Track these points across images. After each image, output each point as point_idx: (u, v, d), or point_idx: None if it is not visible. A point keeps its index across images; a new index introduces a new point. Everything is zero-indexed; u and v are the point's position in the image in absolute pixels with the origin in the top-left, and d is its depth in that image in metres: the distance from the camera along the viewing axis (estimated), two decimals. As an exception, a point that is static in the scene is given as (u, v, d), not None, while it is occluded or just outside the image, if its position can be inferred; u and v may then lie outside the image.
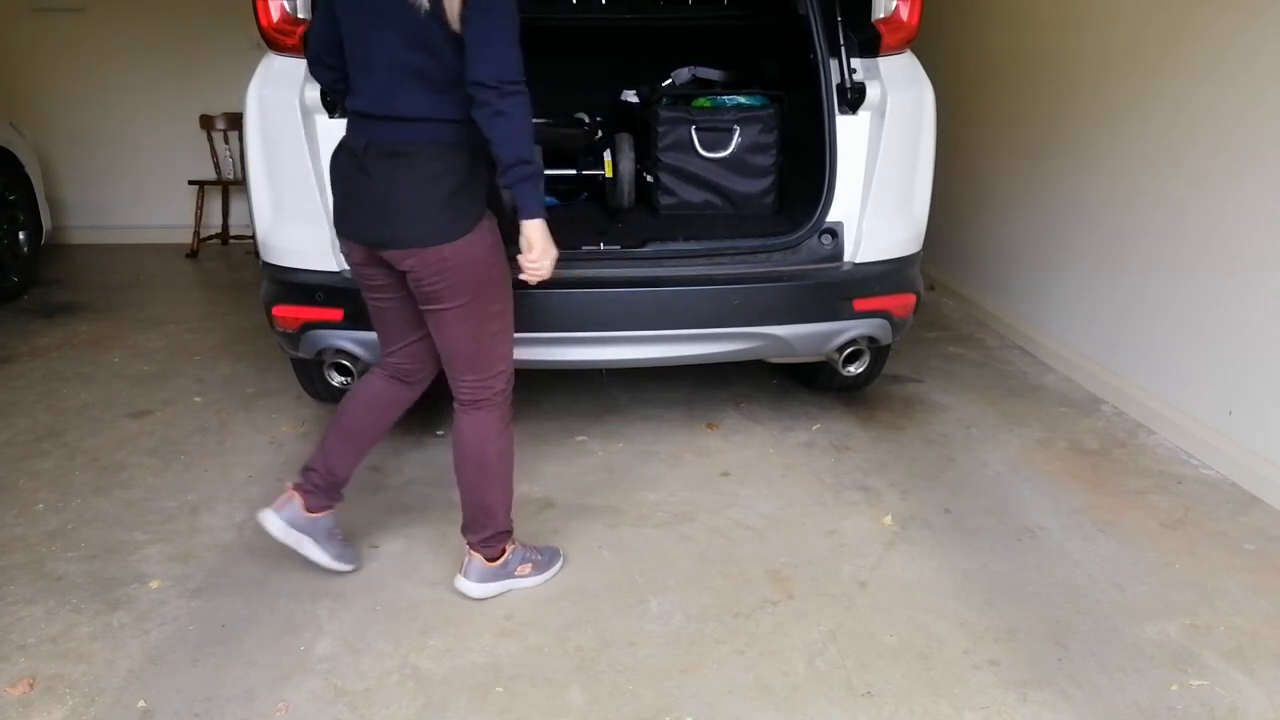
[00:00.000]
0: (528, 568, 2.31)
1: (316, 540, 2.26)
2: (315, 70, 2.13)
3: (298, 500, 2.24)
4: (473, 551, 2.24)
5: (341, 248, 2.18)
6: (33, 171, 4.98)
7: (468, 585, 2.24)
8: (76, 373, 3.72)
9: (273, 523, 2.23)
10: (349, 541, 2.39)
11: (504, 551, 2.26)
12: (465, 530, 2.25)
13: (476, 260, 2.00)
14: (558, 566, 2.38)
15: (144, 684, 1.96)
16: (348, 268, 2.66)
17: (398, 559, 2.42)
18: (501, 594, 2.26)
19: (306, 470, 2.27)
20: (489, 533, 2.22)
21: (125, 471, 2.89)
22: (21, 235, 4.92)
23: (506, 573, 2.26)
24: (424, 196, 1.94)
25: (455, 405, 2.17)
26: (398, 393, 2.28)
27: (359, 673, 2.00)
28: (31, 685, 1.96)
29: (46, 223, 5.11)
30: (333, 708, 1.90)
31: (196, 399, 3.47)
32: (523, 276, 2.06)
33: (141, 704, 1.91)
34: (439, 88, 1.92)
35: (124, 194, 6.15)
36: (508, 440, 2.20)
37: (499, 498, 2.22)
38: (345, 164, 2.04)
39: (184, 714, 1.88)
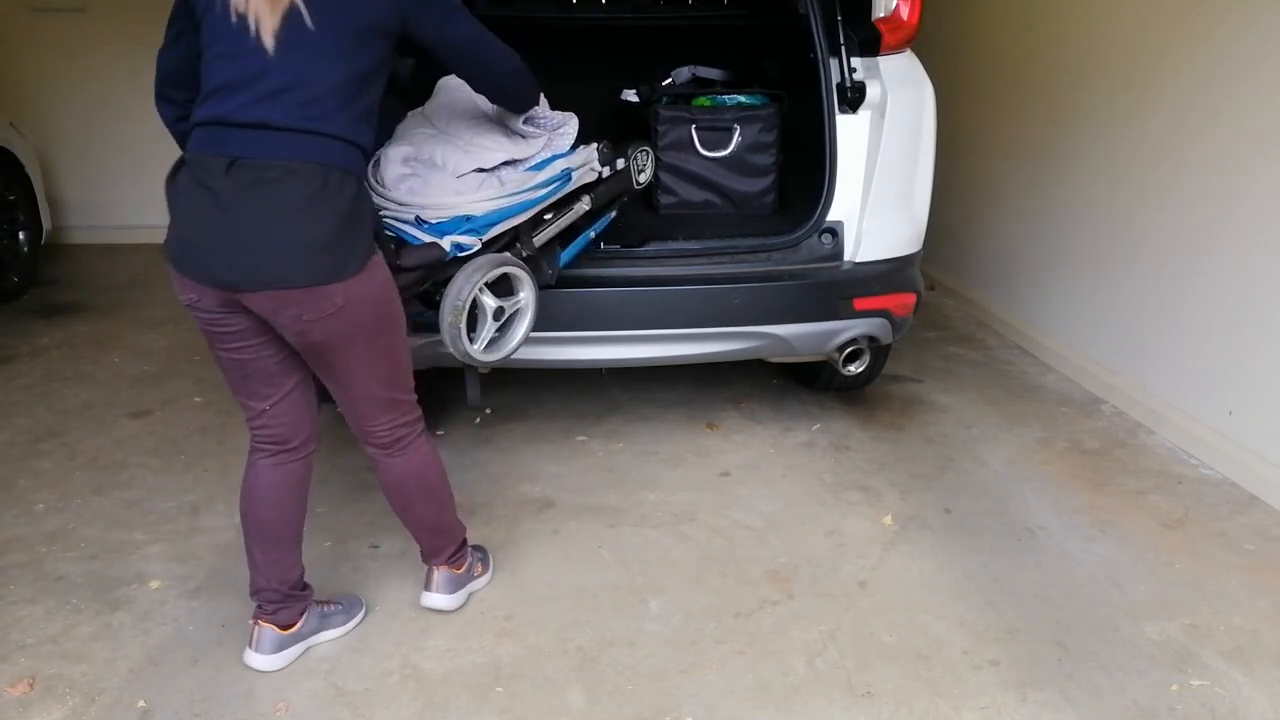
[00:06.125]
0: (479, 567, 2.29)
1: (318, 631, 2.07)
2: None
3: (269, 628, 1.99)
4: (440, 566, 2.19)
5: (181, 289, 1.79)
6: (33, 171, 4.98)
7: (441, 599, 2.18)
8: (76, 373, 3.72)
9: (262, 662, 1.98)
10: (337, 596, 2.20)
11: (465, 553, 2.22)
12: (429, 557, 2.18)
13: (376, 298, 1.79)
14: (492, 562, 2.36)
15: (144, 684, 1.96)
16: None
17: (397, 559, 2.42)
18: (466, 600, 2.24)
19: (259, 593, 2.00)
20: (453, 547, 2.18)
21: (125, 471, 2.89)
22: (21, 235, 4.91)
23: (469, 576, 2.24)
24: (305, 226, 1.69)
25: (371, 451, 2.00)
26: (294, 472, 1.97)
27: (359, 673, 2.00)
28: (31, 685, 1.96)
29: (46, 223, 5.10)
30: (332, 708, 1.90)
31: (196, 399, 3.47)
32: None
33: (141, 704, 1.91)
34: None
35: (124, 194, 6.14)
36: (438, 456, 2.08)
37: (451, 510, 2.15)
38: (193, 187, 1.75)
39: (184, 714, 1.88)
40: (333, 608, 2.13)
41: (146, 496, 2.74)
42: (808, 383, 3.50)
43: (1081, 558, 2.43)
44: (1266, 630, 2.14)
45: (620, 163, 2.50)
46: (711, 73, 3.60)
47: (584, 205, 2.41)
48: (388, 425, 1.95)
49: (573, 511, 2.66)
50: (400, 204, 2.03)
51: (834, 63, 2.78)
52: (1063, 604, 2.24)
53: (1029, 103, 3.99)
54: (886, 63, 2.79)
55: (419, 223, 2.02)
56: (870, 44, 2.78)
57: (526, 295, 2.21)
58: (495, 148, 2.18)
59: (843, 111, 2.76)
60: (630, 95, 3.53)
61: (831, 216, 2.77)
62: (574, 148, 2.34)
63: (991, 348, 4.05)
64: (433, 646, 2.09)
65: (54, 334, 4.19)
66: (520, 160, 2.22)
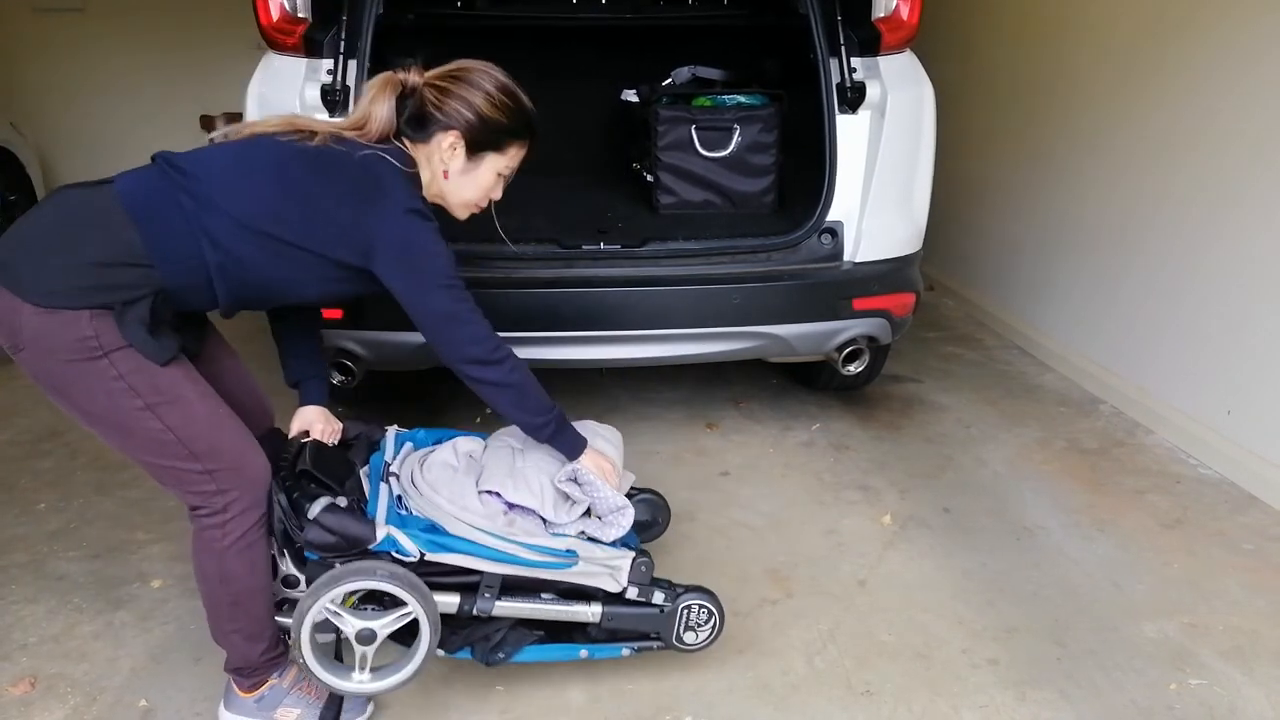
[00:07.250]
0: (293, 714, 1.80)
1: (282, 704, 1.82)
2: None
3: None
4: (229, 672, 1.81)
5: None
6: (33, 172, 4.98)
7: (220, 713, 1.83)
8: (77, 372, 3.72)
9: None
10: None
11: (262, 684, 1.80)
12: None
13: (67, 359, 1.50)
14: None
15: (145, 683, 1.97)
16: None
17: (398, 558, 2.42)
18: None
19: None
20: (233, 663, 1.78)
21: (127, 471, 2.89)
22: (22, 235, 4.92)
23: (264, 714, 1.80)
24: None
25: None
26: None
27: (360, 672, 2.01)
28: (33, 684, 1.96)
29: (47, 222, 5.11)
30: (334, 706, 1.90)
31: (197, 398, 3.47)
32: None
33: (143, 703, 1.92)
34: None
35: (124, 194, 6.16)
36: (241, 568, 1.67)
37: (226, 628, 1.74)
38: None
39: (185, 713, 1.89)
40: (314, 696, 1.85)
41: (148, 496, 2.75)
42: (807, 383, 3.51)
43: (1080, 557, 2.44)
44: (1265, 629, 2.15)
45: (660, 597, 1.88)
46: (711, 73, 3.60)
47: (588, 613, 1.86)
48: (179, 496, 1.68)
49: (573, 511, 2.67)
50: (414, 487, 1.86)
51: (834, 63, 2.78)
52: (1061, 603, 2.24)
53: (1028, 102, 4.00)
54: (886, 63, 2.79)
55: (400, 504, 1.84)
56: (870, 44, 2.79)
57: (415, 606, 1.71)
58: (533, 490, 1.86)
59: (842, 111, 2.77)
60: (630, 95, 3.54)
61: (831, 216, 2.77)
62: (622, 543, 1.88)
63: (990, 348, 4.06)
64: (433, 645, 2.09)
65: (55, 333, 4.20)
66: (544, 519, 1.87)
